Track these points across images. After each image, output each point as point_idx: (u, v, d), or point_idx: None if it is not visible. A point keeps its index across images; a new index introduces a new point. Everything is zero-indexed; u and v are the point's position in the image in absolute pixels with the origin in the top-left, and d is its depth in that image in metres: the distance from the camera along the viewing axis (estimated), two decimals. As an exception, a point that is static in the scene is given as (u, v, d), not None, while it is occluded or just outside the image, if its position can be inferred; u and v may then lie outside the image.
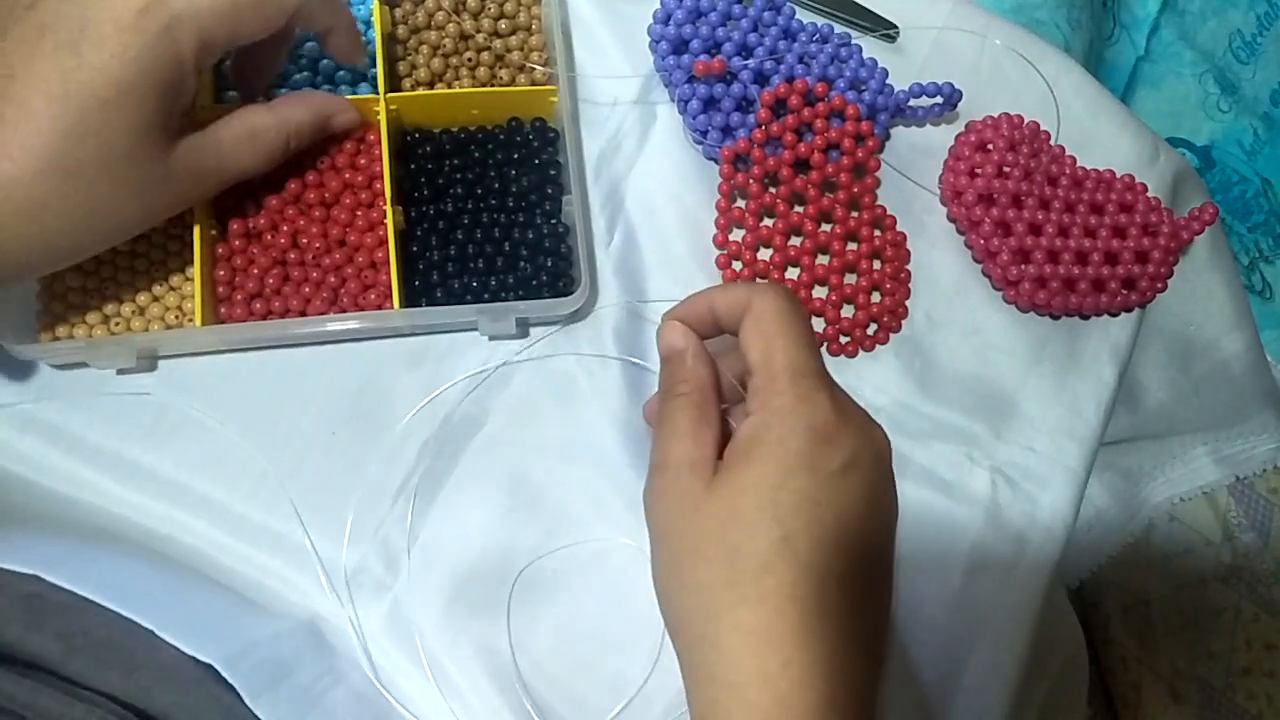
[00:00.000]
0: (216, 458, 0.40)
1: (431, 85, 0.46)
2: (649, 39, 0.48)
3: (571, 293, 0.42)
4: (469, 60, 0.46)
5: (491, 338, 0.44)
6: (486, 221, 0.44)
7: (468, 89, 0.46)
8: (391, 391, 0.42)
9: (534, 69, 0.46)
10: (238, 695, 0.32)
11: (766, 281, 0.34)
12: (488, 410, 0.43)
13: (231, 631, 0.35)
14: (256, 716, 0.32)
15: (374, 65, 0.45)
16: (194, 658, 0.32)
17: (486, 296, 0.43)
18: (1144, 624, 0.91)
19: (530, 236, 0.44)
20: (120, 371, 0.41)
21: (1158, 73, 0.91)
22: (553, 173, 0.45)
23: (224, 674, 0.32)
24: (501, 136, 0.46)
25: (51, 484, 0.39)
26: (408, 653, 0.39)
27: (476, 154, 0.45)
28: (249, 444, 0.41)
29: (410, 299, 0.42)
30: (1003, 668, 0.43)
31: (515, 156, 0.45)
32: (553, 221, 0.44)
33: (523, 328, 0.44)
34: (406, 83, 0.46)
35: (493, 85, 0.46)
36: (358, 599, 0.39)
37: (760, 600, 0.29)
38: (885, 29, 0.52)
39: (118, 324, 0.41)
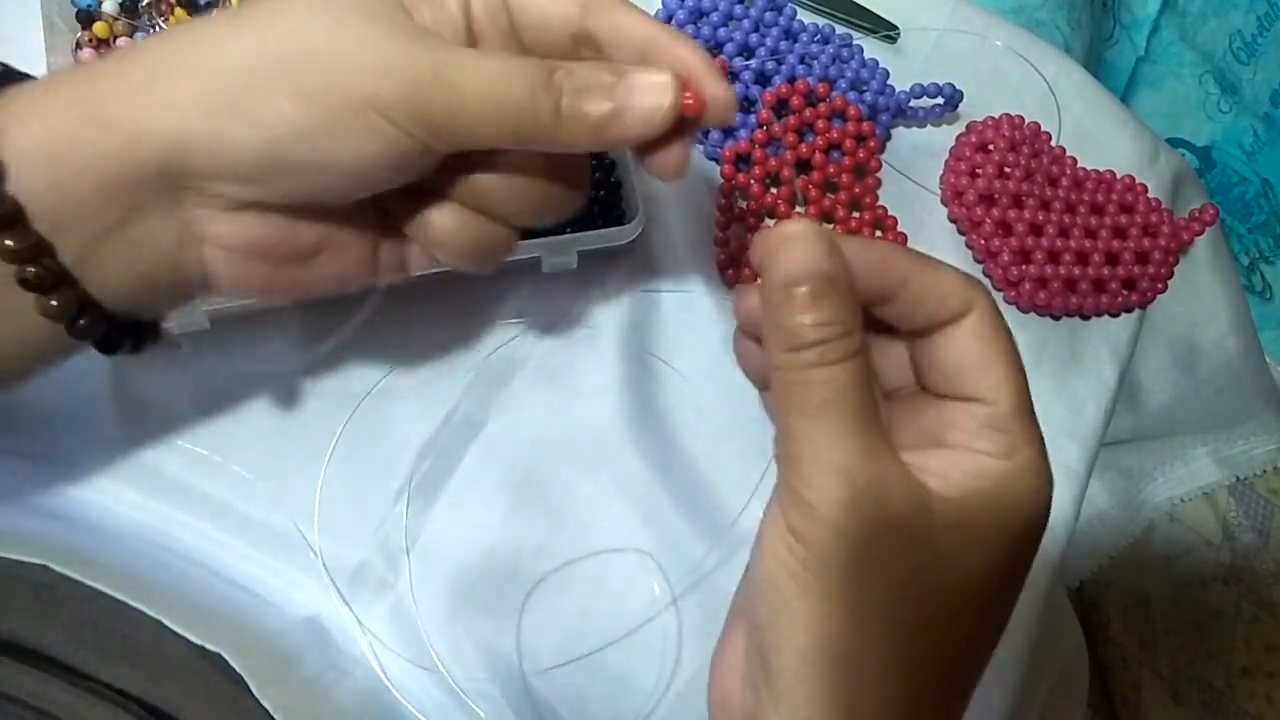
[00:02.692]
0: (218, 457, 0.41)
1: None
2: (650, 39, 0.48)
3: (628, 222, 0.43)
4: None
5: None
6: None
7: None
8: (392, 389, 0.42)
9: None
10: (242, 689, 0.32)
11: (973, 278, 0.26)
12: (489, 409, 0.43)
13: (239, 624, 0.35)
14: (261, 710, 0.32)
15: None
16: (200, 652, 0.32)
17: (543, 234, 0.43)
18: (1144, 624, 0.91)
19: None
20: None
21: (1158, 73, 0.91)
22: None
23: (233, 663, 0.32)
24: None
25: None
26: (411, 651, 0.39)
27: None
28: (250, 443, 0.41)
29: None
30: (1003, 668, 0.43)
31: None
32: (598, 157, 0.46)
33: (583, 261, 0.44)
34: None
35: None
36: (360, 598, 0.39)
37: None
38: (886, 30, 0.52)
39: None
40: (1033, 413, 0.25)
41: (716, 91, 0.28)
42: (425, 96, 0.25)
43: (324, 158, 0.26)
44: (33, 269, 0.26)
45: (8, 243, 0.25)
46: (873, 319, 0.26)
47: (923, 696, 0.24)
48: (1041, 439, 0.25)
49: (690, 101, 0.27)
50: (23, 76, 0.30)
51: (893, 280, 0.25)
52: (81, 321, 0.27)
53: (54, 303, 0.26)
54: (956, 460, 0.25)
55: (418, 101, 0.25)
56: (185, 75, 0.26)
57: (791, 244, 0.24)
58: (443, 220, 0.30)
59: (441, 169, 0.29)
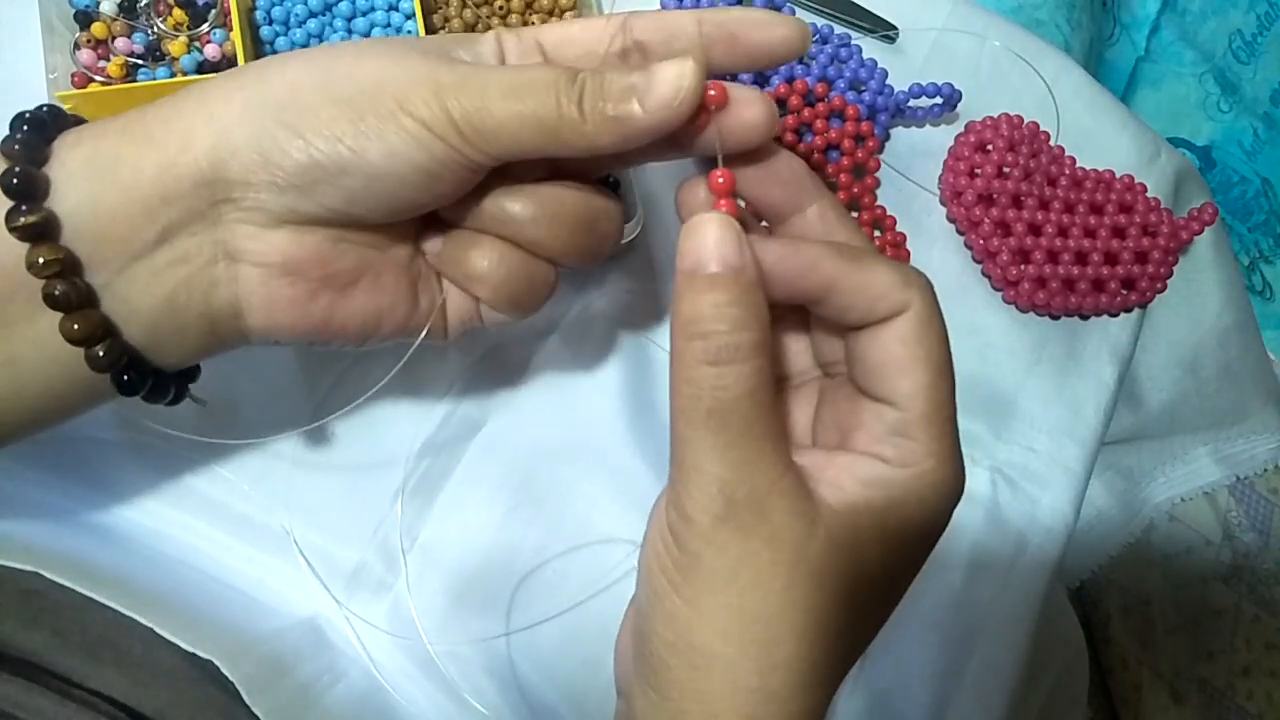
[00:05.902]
0: (216, 458, 0.40)
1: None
2: (649, 39, 0.48)
3: (627, 221, 0.43)
4: (500, 9, 0.47)
5: None
6: None
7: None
8: (390, 389, 0.42)
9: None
10: (233, 696, 0.32)
11: (913, 270, 0.25)
12: (488, 409, 0.43)
13: (232, 628, 0.35)
14: (253, 716, 0.32)
15: (413, 17, 0.46)
16: (190, 658, 0.32)
17: None
18: (1144, 624, 0.91)
19: None
20: None
21: (1158, 73, 0.91)
22: None
23: (224, 670, 0.32)
24: None
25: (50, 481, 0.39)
26: (409, 651, 0.39)
27: None
28: (248, 443, 0.41)
29: None
30: (1003, 668, 0.43)
31: None
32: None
33: None
34: (443, 33, 0.47)
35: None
36: (359, 598, 0.39)
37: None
38: (885, 30, 0.52)
39: None
40: (949, 425, 0.25)
41: (775, 31, 0.28)
42: (452, 98, 0.26)
43: (357, 161, 0.26)
44: (60, 285, 0.26)
45: (39, 256, 0.26)
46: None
47: (780, 696, 0.24)
48: (954, 454, 0.25)
49: (714, 92, 0.27)
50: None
51: (818, 284, 0.25)
52: (101, 351, 0.27)
53: (75, 325, 0.26)
54: (854, 466, 0.25)
55: (444, 103, 0.26)
56: (232, 95, 0.27)
57: (698, 230, 0.24)
58: (481, 255, 0.30)
59: (477, 203, 0.29)
